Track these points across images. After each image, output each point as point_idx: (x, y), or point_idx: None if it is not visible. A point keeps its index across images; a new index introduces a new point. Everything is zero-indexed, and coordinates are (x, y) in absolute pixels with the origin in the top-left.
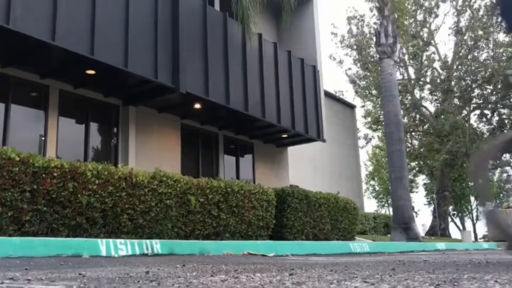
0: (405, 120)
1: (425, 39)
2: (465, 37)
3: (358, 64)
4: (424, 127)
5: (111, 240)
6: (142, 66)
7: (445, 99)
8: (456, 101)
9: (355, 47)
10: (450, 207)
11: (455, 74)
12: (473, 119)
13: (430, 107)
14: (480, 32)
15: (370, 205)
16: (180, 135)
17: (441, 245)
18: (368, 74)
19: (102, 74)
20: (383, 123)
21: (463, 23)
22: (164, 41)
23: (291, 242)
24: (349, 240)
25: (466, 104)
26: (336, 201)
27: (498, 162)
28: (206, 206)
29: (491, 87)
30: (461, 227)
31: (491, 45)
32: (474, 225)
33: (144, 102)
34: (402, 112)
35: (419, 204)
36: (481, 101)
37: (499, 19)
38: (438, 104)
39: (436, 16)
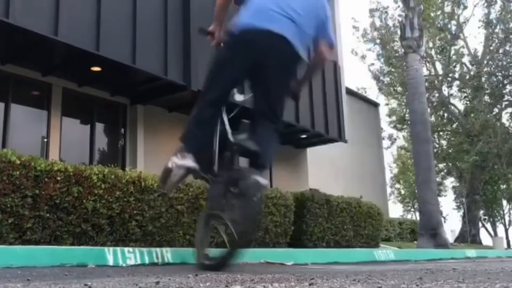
0: (432, 119)
1: (453, 32)
2: (496, 30)
3: (382, 59)
4: (453, 126)
5: (118, 249)
6: (151, 62)
7: (475, 96)
8: (486, 98)
9: (378, 41)
10: (481, 212)
11: (485, 69)
12: (505, 117)
13: (459, 105)
14: None
15: (395, 210)
16: None
17: (471, 252)
18: (393, 69)
19: (108, 71)
20: (408, 122)
21: (493, 15)
22: (174, 35)
23: (311, 249)
24: (373, 248)
25: (498, 101)
26: (359, 206)
27: None
28: None
29: None
30: (492, 233)
31: None
32: (506, 231)
33: (153, 100)
34: (429, 110)
35: (448, 209)
36: None
37: None
38: (468, 102)
39: (465, 7)
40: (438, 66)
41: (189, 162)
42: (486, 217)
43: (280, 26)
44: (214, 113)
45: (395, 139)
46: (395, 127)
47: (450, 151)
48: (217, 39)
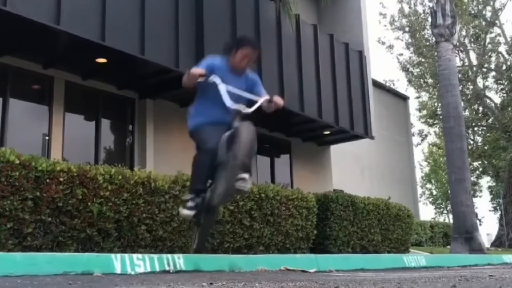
0: (467, 113)
1: (489, 19)
2: None
3: (411, 49)
4: (489, 121)
5: (126, 255)
6: (161, 53)
7: None
8: None
9: (407, 29)
10: None
11: None
12: None
13: (495, 97)
14: None
15: (426, 212)
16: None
17: (509, 257)
18: (423, 60)
19: (114, 63)
20: (440, 117)
21: None
22: (186, 24)
23: (335, 255)
24: (403, 253)
25: None
26: (387, 208)
27: None
28: (237, 215)
29: None
30: None
31: None
32: None
33: (164, 95)
34: (462, 104)
35: (484, 211)
36: None
37: None
38: (505, 94)
39: None
40: (472, 56)
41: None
42: None
43: None
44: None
45: (426, 135)
46: (425, 122)
47: (485, 148)
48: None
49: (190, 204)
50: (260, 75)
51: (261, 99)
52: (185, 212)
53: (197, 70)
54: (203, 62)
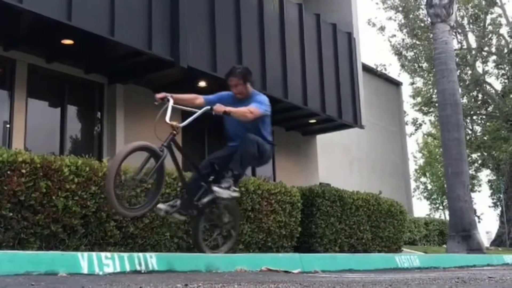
0: (465, 100)
1: None
2: None
3: (405, 31)
4: (489, 109)
5: (94, 254)
6: (132, 34)
7: None
8: None
9: (400, 8)
10: None
11: None
12: None
13: (496, 84)
14: None
15: (420, 208)
16: (181, 121)
17: (510, 258)
18: (418, 42)
19: (82, 44)
20: (436, 105)
21: None
22: (160, 2)
23: (321, 255)
24: (395, 252)
25: None
26: (377, 203)
27: None
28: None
29: None
30: None
31: None
32: None
33: (135, 79)
34: (460, 90)
35: (483, 207)
36: None
37: None
38: (506, 80)
39: None
40: (471, 38)
41: None
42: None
43: None
44: None
45: (421, 125)
46: (420, 110)
47: (485, 138)
48: None
49: None
50: (240, 59)
51: (200, 111)
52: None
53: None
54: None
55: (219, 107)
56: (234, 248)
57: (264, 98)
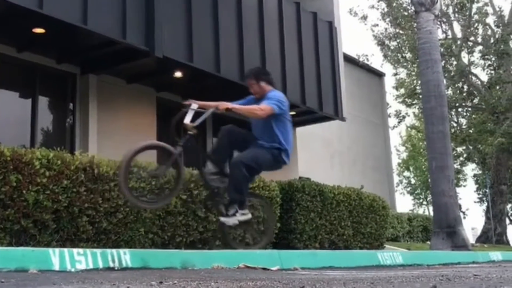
0: (450, 92)
1: None
2: None
3: (388, 20)
4: (474, 101)
5: (66, 250)
6: (105, 23)
7: (500, 64)
8: None
9: None
10: (509, 206)
11: None
12: None
13: (482, 75)
14: None
15: (404, 203)
16: (156, 112)
17: (496, 255)
18: (401, 32)
19: (53, 33)
20: (420, 97)
21: None
22: None
23: (300, 251)
24: (377, 249)
25: None
26: (359, 198)
27: None
28: (190, 205)
29: None
30: None
31: None
32: None
33: (109, 69)
34: (445, 82)
35: (468, 202)
36: None
37: None
38: (492, 71)
39: None
40: (456, 28)
41: None
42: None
43: None
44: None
45: (404, 117)
46: (403, 102)
47: (470, 131)
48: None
49: None
50: (217, 49)
51: (208, 111)
52: None
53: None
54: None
55: (223, 105)
56: (211, 244)
57: (275, 94)
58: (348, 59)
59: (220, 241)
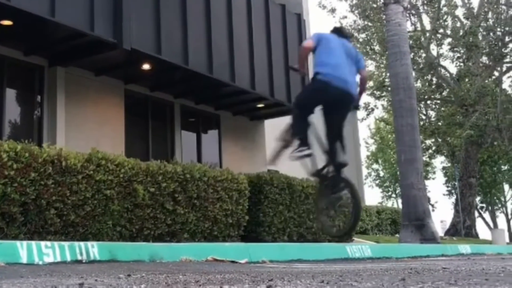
0: (418, 84)
1: None
2: None
3: (356, 12)
4: (443, 93)
5: (33, 243)
6: (73, 15)
7: (469, 57)
8: (484, 59)
9: None
10: (477, 199)
11: (482, 24)
12: (507, 82)
13: (451, 67)
14: None
15: (372, 196)
16: (124, 105)
17: (465, 247)
18: (370, 24)
19: (21, 25)
20: (389, 89)
21: None
22: None
23: (269, 244)
24: (345, 242)
25: (497, 63)
26: None
27: None
28: (158, 198)
29: None
30: (491, 225)
31: None
32: (508, 221)
33: (77, 62)
34: (414, 74)
35: (437, 195)
36: None
37: None
38: (461, 64)
39: None
40: (425, 20)
41: (307, 151)
42: (484, 205)
43: (344, 85)
44: (303, 114)
45: (373, 109)
46: (372, 94)
47: (439, 124)
48: (302, 74)
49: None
50: (185, 41)
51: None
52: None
53: None
54: None
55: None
56: (179, 237)
57: None
58: None
59: (322, 232)
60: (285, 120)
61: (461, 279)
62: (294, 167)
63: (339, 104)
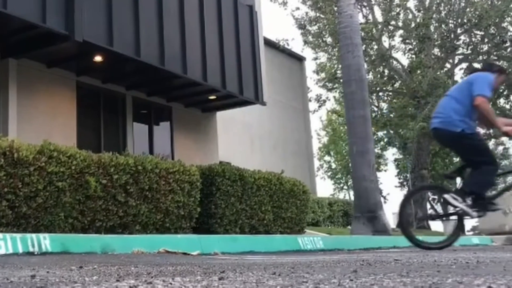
0: (370, 76)
1: None
2: None
3: (308, 3)
4: (395, 85)
5: None
6: (25, 7)
7: (421, 48)
8: (436, 51)
9: None
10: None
11: (434, 16)
12: (459, 74)
13: (403, 59)
14: None
15: (324, 188)
16: (76, 97)
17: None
18: (321, 16)
19: None
20: (341, 81)
21: None
22: None
23: (221, 236)
24: (297, 234)
25: (449, 55)
26: (280, 183)
27: None
28: (110, 190)
29: (481, 32)
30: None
31: None
32: None
33: (29, 53)
34: (366, 66)
35: (389, 187)
36: (468, 51)
37: None
38: (413, 56)
39: None
40: (377, 12)
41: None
42: (436, 197)
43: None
44: None
45: (324, 101)
46: (324, 86)
47: (391, 116)
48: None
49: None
50: (137, 33)
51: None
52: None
53: None
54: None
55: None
56: (131, 229)
57: None
58: (269, 43)
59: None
60: (234, 113)
61: (413, 270)
62: (247, 159)
63: None
